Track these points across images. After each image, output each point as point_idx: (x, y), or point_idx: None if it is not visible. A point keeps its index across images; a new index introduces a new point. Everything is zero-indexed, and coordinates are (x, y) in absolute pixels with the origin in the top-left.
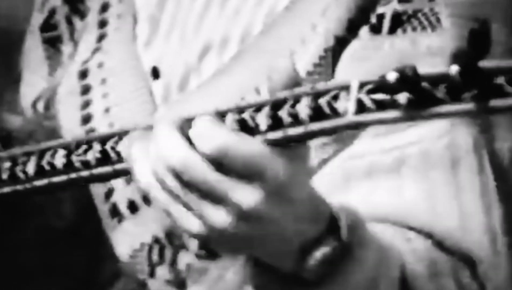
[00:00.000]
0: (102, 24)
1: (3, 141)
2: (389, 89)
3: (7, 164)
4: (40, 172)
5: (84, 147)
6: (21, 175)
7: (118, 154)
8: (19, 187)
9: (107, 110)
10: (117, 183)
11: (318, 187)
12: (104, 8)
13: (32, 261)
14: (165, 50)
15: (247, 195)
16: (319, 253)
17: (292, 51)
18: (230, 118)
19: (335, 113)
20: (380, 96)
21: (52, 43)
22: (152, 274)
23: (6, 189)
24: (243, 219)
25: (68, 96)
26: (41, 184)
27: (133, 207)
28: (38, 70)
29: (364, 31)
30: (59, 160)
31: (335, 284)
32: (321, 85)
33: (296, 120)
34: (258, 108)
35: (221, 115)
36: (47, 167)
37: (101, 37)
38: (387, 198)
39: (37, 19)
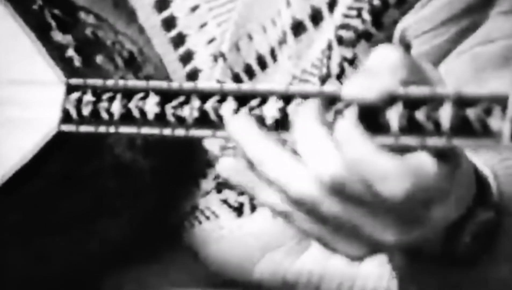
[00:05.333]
0: None
1: (62, 21)
2: None
3: (90, 98)
4: (128, 116)
5: (181, 98)
6: (105, 115)
7: (220, 117)
8: (102, 128)
9: None
10: (202, 61)
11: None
12: None
13: (108, 189)
14: None
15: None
16: (472, 227)
17: None
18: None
19: (485, 131)
20: None
21: None
22: None
23: (88, 129)
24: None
25: None
26: (128, 132)
27: None
28: None
29: None
30: (151, 107)
31: (490, 260)
32: (469, 92)
33: (436, 127)
34: (392, 101)
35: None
36: (135, 113)
37: None
38: None
39: None
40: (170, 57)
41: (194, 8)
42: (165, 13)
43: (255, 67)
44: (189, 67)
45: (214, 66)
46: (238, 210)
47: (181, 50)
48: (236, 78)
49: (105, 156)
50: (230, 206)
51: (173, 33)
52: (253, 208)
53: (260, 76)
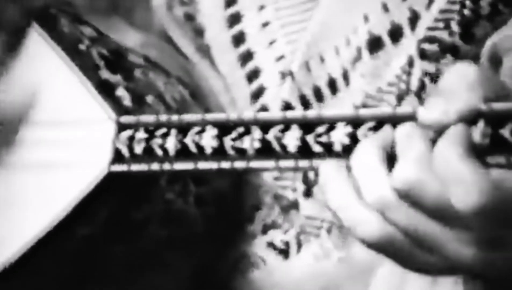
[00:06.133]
0: None
1: (111, 61)
2: None
3: (142, 135)
4: (183, 152)
5: (240, 130)
6: (159, 151)
7: (283, 147)
8: (155, 166)
9: (261, 8)
10: (269, 79)
11: None
12: None
13: (159, 237)
14: None
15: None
16: None
17: None
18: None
19: None
20: None
21: None
22: (308, 193)
23: (141, 167)
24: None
25: None
26: (184, 168)
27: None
28: None
29: None
30: (208, 141)
31: None
32: None
33: None
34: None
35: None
36: (192, 147)
37: None
38: None
39: None
40: (236, 74)
41: (265, 24)
42: (236, 29)
43: (325, 90)
44: (255, 85)
45: (281, 84)
46: (284, 252)
47: (248, 66)
48: (304, 99)
49: (156, 201)
50: (276, 248)
51: (242, 49)
52: (299, 247)
53: (330, 100)
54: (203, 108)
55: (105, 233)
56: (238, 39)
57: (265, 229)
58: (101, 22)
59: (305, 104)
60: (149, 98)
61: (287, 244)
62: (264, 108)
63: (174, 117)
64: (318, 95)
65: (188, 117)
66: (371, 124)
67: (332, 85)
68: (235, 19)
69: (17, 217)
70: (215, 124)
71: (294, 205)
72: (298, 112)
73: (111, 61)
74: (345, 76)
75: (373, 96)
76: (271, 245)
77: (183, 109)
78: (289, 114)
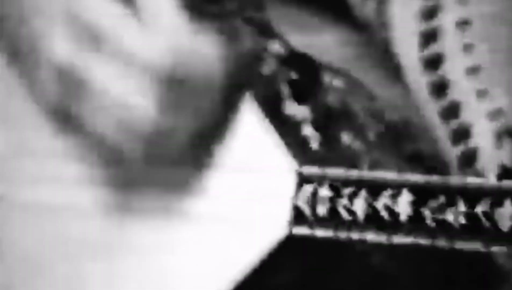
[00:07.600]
0: None
1: (299, 87)
2: None
3: (327, 193)
4: (374, 218)
5: (442, 198)
6: (345, 215)
7: (494, 224)
8: (342, 234)
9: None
10: (483, 140)
11: None
12: None
13: None
14: None
15: None
16: None
17: None
18: None
19: None
20: None
21: None
22: None
23: (325, 233)
24: None
25: None
26: (375, 240)
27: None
28: None
29: None
30: (403, 207)
31: None
32: None
33: None
34: None
35: None
36: (384, 214)
37: None
38: None
39: None
40: (439, 133)
41: (473, 69)
42: (435, 75)
43: None
44: (463, 146)
45: (499, 145)
46: None
47: (453, 123)
48: None
49: (354, 264)
50: None
51: (444, 101)
52: None
53: None
54: (423, 142)
55: None
56: (439, 88)
57: None
58: (291, 18)
59: None
60: (345, 136)
61: None
62: (477, 175)
63: (365, 174)
64: None
65: (381, 175)
66: None
67: None
68: (435, 61)
69: (172, 270)
70: (412, 187)
71: None
72: None
73: (299, 86)
74: None
75: None
76: None
77: (391, 143)
78: (504, 183)
